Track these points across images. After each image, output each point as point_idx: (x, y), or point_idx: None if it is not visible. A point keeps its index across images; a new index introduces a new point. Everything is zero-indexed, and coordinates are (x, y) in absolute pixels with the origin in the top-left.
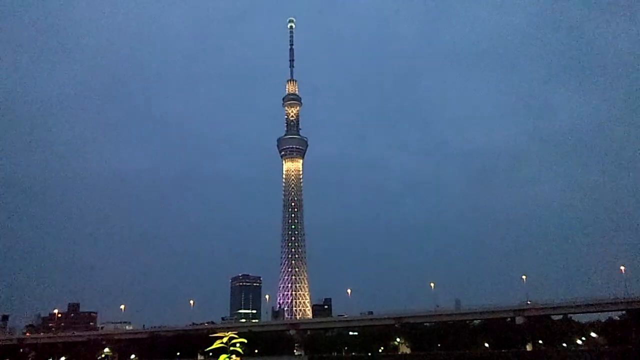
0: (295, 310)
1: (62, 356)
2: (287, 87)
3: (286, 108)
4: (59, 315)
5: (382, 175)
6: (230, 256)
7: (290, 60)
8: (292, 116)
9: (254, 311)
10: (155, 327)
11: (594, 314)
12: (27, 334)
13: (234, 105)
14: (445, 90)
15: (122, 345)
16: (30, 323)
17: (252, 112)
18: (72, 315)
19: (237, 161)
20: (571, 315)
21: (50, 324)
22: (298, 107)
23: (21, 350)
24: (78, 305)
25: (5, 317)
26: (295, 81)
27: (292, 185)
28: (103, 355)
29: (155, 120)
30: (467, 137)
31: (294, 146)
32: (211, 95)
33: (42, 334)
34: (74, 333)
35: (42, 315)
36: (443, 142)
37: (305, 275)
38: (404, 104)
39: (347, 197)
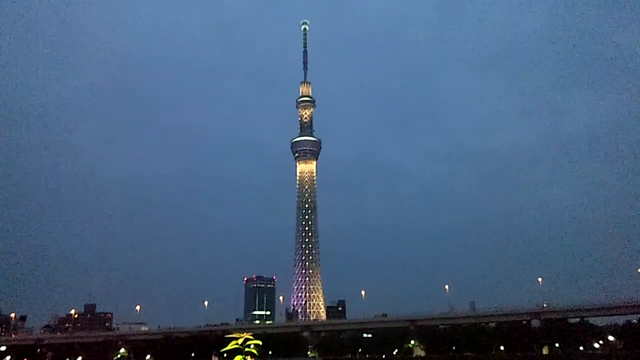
0: (309, 312)
1: (78, 356)
2: (300, 89)
3: (300, 110)
4: (76, 316)
5: (396, 177)
6: (245, 258)
7: (303, 62)
8: (306, 118)
9: (268, 313)
10: (170, 328)
11: (612, 317)
12: (45, 334)
13: (248, 108)
14: (459, 91)
15: (138, 345)
16: (48, 323)
17: (266, 114)
18: (89, 316)
19: (251, 163)
20: (588, 318)
21: (67, 325)
22: (312, 109)
23: (38, 350)
24: (94, 306)
25: (23, 318)
26: (309, 83)
27: (306, 187)
28: (119, 356)
29: (172, 123)
30: (481, 138)
31: (308, 148)
32: (225, 98)
33: (59, 334)
34: (90, 333)
35: (59, 316)
36: (457, 143)
37: (319, 277)
38: (418, 106)
39: (360, 199)
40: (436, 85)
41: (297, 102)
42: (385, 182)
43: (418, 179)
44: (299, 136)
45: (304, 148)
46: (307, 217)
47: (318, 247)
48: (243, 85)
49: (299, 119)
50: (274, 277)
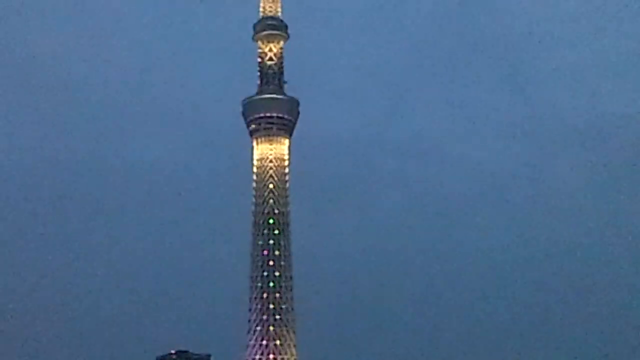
0: None
1: None
2: (261, 3)
3: (260, 43)
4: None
5: (429, 168)
6: (155, 322)
7: None
8: (271, 59)
9: None
10: None
11: None
12: None
13: (168, 39)
14: (546, 21)
15: None
16: None
17: (199, 52)
18: None
19: (169, 142)
20: None
21: None
22: (281, 42)
23: None
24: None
25: None
26: None
27: (270, 185)
28: None
29: None
30: (584, 103)
31: (274, 114)
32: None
33: None
34: None
35: None
36: (543, 111)
37: (292, 349)
38: (474, 42)
39: (367, 207)
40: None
41: (255, 29)
42: (410, 177)
43: (471, 172)
44: (259, 93)
45: (267, 115)
46: (271, 241)
47: (291, 296)
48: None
49: (259, 60)
50: (209, 356)
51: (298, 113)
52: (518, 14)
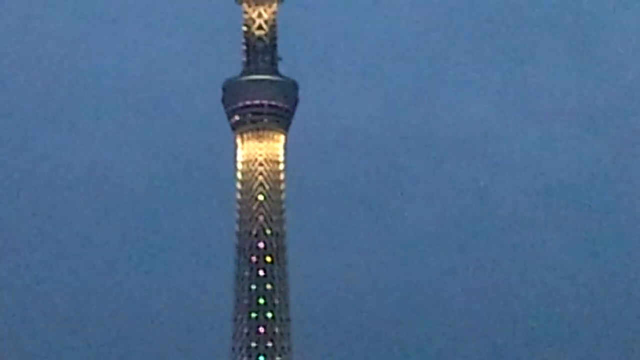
0: None
1: None
2: None
3: (246, 7)
4: None
5: (470, 171)
6: None
7: None
8: (260, 27)
9: None
10: None
11: None
12: None
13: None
14: None
15: None
16: None
17: (161, 18)
18: None
19: (121, 139)
20: None
21: None
22: (274, 6)
23: None
24: None
25: None
26: None
27: (260, 196)
28: None
29: None
30: None
31: (264, 101)
32: None
33: None
34: None
35: None
36: (624, 96)
37: None
38: (527, 5)
39: (389, 222)
40: None
41: None
42: (443, 181)
43: (524, 171)
44: (244, 74)
45: (255, 102)
46: (261, 269)
47: (289, 345)
48: None
49: (244, 30)
50: None
51: (297, 100)
52: None
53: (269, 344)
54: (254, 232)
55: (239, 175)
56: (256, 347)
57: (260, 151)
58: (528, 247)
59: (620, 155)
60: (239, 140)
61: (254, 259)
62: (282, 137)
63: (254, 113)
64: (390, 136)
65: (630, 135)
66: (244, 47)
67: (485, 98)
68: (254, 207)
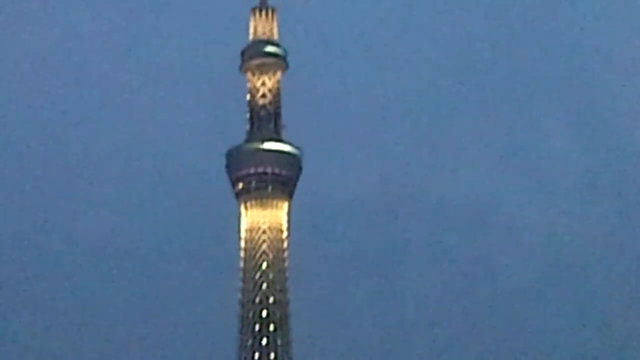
0: None
1: None
2: (252, 23)
3: (250, 75)
4: None
5: (476, 240)
6: None
7: None
8: (264, 95)
9: None
10: None
11: None
12: None
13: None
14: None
15: None
16: None
17: (167, 86)
18: None
19: (123, 209)
20: None
21: None
22: (278, 74)
23: None
24: None
25: None
26: (273, 11)
27: (263, 264)
28: None
29: None
30: None
31: (268, 169)
32: None
33: None
34: None
35: None
36: (629, 161)
37: None
38: (532, 72)
39: (393, 292)
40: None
41: (242, 57)
42: (448, 250)
43: (530, 240)
44: (248, 141)
45: (259, 171)
46: (264, 338)
47: None
48: None
49: (248, 100)
50: None
51: (300, 168)
52: (591, 34)
53: None
54: (258, 300)
55: (243, 243)
56: None
57: (263, 219)
58: (531, 317)
59: (626, 222)
60: (242, 208)
61: (257, 327)
62: (285, 205)
63: (257, 181)
64: (393, 204)
65: (636, 201)
66: (248, 115)
67: (488, 164)
68: (258, 275)
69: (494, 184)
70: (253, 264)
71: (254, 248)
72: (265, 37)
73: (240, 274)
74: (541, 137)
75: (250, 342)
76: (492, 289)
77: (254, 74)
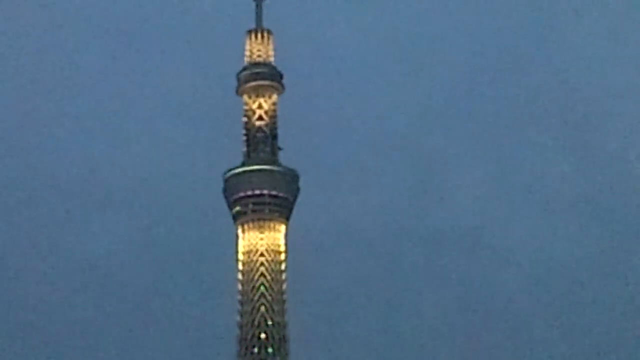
0: None
1: None
2: (247, 46)
3: (246, 98)
4: None
5: (473, 264)
6: None
7: None
8: (261, 118)
9: None
10: None
11: None
12: None
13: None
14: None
15: None
16: None
17: (163, 110)
18: None
19: (118, 231)
20: None
21: None
22: (274, 97)
23: None
24: None
25: None
26: (268, 33)
27: (261, 287)
28: None
29: None
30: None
31: (265, 192)
32: None
33: None
34: None
35: None
36: (622, 183)
37: None
38: (525, 97)
39: (391, 315)
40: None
41: (238, 79)
42: (446, 275)
43: (526, 264)
44: (245, 164)
45: (256, 193)
46: (263, 358)
47: None
48: None
49: (244, 122)
50: None
51: (298, 189)
52: (585, 57)
53: None
54: (256, 322)
55: (240, 266)
56: None
57: (261, 241)
58: (525, 336)
59: (619, 244)
60: (240, 231)
61: (255, 349)
62: (283, 227)
63: (255, 203)
64: (391, 228)
65: (631, 222)
66: (245, 138)
67: (482, 189)
68: (256, 298)
69: (488, 206)
70: (251, 286)
71: (251, 270)
72: (261, 60)
73: (239, 297)
74: (534, 160)
75: None
76: (486, 310)
77: (250, 97)
